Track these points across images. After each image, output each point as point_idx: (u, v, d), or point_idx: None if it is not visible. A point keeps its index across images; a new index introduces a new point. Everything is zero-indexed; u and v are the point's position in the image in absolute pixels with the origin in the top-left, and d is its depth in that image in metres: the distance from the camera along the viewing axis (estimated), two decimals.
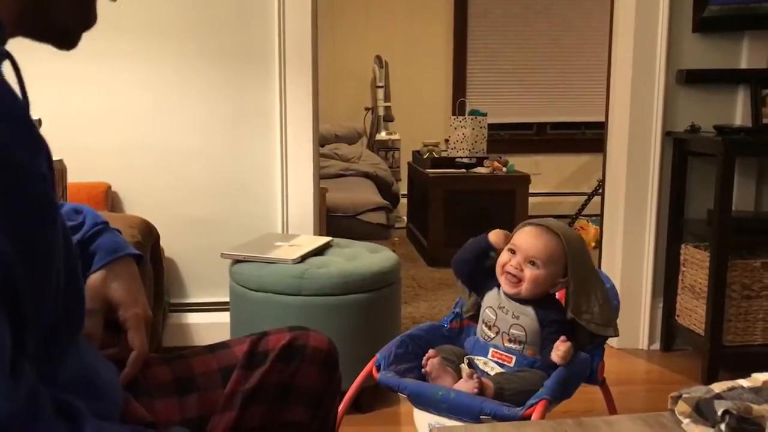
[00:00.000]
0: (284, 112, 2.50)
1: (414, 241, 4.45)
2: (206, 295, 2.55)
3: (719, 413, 1.04)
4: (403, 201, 4.82)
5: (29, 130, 0.61)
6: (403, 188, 4.88)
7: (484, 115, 4.24)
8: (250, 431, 0.97)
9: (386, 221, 3.24)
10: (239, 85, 2.49)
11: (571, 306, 1.59)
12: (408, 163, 4.79)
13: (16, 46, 2.18)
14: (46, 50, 2.37)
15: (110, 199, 2.39)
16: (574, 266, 1.60)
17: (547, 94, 5.42)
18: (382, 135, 5.01)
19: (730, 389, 1.16)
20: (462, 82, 5.37)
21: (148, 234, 1.20)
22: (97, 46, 2.41)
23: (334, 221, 3.03)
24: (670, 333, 2.68)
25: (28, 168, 0.59)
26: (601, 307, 1.62)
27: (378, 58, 5.08)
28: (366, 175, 4.08)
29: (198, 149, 2.51)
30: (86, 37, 2.24)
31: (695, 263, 2.51)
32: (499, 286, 1.65)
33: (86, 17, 0.74)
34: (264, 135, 2.52)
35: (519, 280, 1.59)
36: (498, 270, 1.63)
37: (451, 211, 3.89)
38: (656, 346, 2.72)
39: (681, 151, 2.59)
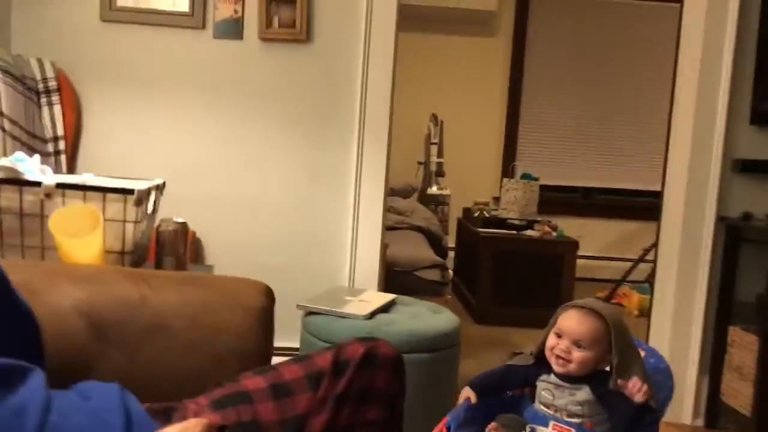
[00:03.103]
0: (360, 172, 2.68)
1: (459, 295, 4.58)
2: (276, 340, 2.71)
3: None
4: (450, 254, 4.95)
5: None
6: (450, 241, 5.02)
7: (537, 179, 4.39)
8: (343, 429, 1.13)
9: (441, 278, 3.38)
10: (320, 145, 2.68)
11: (614, 378, 1.71)
12: (458, 219, 4.94)
13: (125, 118, 2.43)
14: (152, 116, 2.61)
15: (194, 245, 2.58)
16: (617, 343, 1.72)
17: (596, 159, 5.56)
18: (434, 189, 5.19)
19: None
20: (513, 143, 5.54)
21: (271, 300, 1.37)
22: (197, 105, 2.64)
23: (391, 275, 3.18)
24: (714, 411, 2.75)
25: None
26: (644, 380, 1.74)
27: (434, 116, 5.28)
28: (419, 229, 4.24)
29: (278, 203, 2.70)
30: (197, 96, 2.44)
31: (743, 346, 2.60)
32: (549, 371, 1.78)
33: None
34: (339, 192, 2.70)
35: (568, 361, 1.72)
36: (547, 353, 1.76)
37: (500, 270, 4.02)
38: (699, 422, 2.79)
39: (733, 236, 2.70)
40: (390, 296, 2.55)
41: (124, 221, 1.46)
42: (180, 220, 1.57)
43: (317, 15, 2.62)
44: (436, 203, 5.11)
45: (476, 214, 4.44)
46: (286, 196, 2.70)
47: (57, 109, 2.50)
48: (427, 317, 2.42)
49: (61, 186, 1.43)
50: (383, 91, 2.68)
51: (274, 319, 1.35)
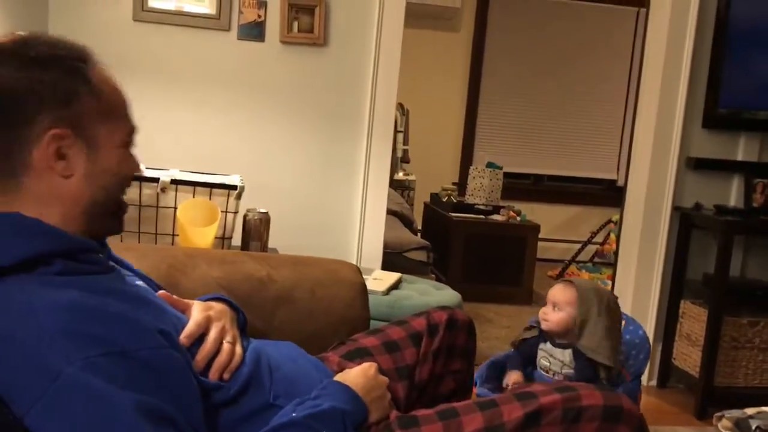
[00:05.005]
0: (368, 163, 2.99)
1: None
2: None
3: (753, 428, 1.56)
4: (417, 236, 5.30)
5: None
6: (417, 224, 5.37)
7: (500, 168, 4.79)
8: (437, 376, 1.47)
9: (427, 259, 3.73)
10: (333, 139, 2.97)
11: (576, 334, 2.10)
12: (425, 203, 5.30)
13: (155, 112, 2.81)
14: (180, 110, 2.92)
15: None
16: (581, 308, 2.11)
17: (547, 149, 6.02)
18: (400, 175, 5.52)
19: (758, 413, 1.68)
20: (472, 132, 5.94)
21: (362, 276, 1.66)
22: (222, 101, 2.88)
23: (384, 256, 3.50)
24: (666, 372, 3.22)
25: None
26: (599, 340, 2.11)
27: (400, 105, 5.61)
28: (394, 213, 4.56)
29: (294, 191, 2.97)
30: (222, 93, 2.80)
31: (693, 317, 3.07)
32: (546, 340, 2.15)
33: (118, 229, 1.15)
34: (349, 181, 3.00)
35: (546, 320, 2.11)
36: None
37: (470, 251, 4.41)
38: (653, 382, 3.26)
39: (686, 224, 3.15)
40: (396, 275, 2.88)
41: (226, 212, 1.73)
42: (263, 210, 1.84)
43: (333, 22, 2.90)
44: (403, 188, 5.45)
45: (445, 199, 4.81)
46: (302, 184, 2.98)
47: None
48: (433, 293, 2.77)
49: (174, 182, 1.69)
50: (390, 91, 2.99)
51: (368, 292, 1.66)
